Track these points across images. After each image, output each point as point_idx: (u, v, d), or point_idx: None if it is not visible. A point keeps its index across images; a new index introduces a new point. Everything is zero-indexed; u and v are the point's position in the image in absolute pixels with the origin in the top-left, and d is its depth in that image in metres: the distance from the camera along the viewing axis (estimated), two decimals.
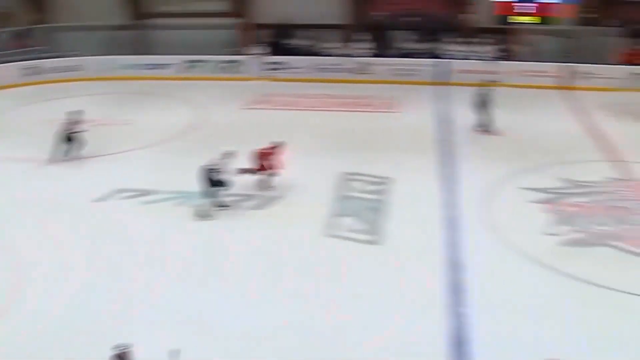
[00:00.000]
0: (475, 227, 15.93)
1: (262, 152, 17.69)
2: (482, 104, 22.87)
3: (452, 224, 16.05)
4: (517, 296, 13.10)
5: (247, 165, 17.52)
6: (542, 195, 17.72)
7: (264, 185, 17.87)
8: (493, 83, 23.61)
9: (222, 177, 16.43)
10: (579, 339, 11.82)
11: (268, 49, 31.48)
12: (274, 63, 31.33)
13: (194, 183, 16.55)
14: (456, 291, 13.18)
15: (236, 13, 32.85)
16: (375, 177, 18.83)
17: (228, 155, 16.54)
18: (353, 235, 15.66)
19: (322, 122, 24.38)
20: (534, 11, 30.51)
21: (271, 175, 17.88)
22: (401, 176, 18.79)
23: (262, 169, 17.71)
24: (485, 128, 23.02)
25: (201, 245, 15.26)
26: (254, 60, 31.14)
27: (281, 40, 32.67)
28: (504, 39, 31.26)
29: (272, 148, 17.80)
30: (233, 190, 16.97)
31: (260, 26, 32.58)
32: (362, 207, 17.14)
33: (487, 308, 12.63)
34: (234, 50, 31.95)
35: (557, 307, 12.82)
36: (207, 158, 16.42)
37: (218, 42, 32.20)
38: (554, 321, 12.34)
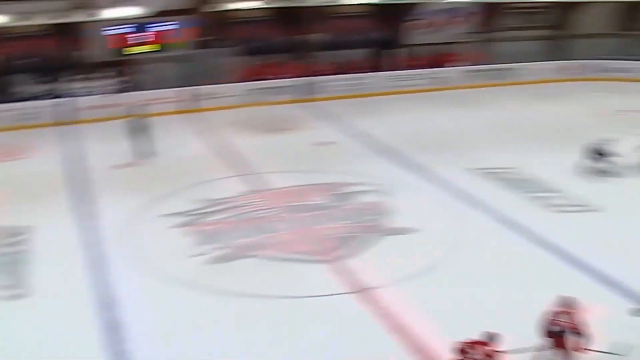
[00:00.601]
0: (121, 262, 15.67)
1: None
2: (136, 133, 22.93)
3: (97, 263, 15.62)
4: (174, 324, 13.03)
5: None
6: (182, 219, 18.02)
7: None
8: (142, 113, 23.67)
9: None
10: (246, 349, 12.10)
11: None
12: None
13: None
14: (112, 330, 12.83)
15: None
16: (10, 228, 17.68)
17: None
18: None
19: None
20: (152, 39, 31.08)
21: None
22: (39, 223, 17.84)
23: None
24: (142, 157, 23.08)
25: None
26: None
27: None
28: (123, 70, 31.38)
29: None
30: None
31: None
32: (1, 262, 16.13)
33: (147, 341, 12.43)
34: None
35: (217, 324, 12.99)
36: None
37: None
38: (217, 338, 12.49)
